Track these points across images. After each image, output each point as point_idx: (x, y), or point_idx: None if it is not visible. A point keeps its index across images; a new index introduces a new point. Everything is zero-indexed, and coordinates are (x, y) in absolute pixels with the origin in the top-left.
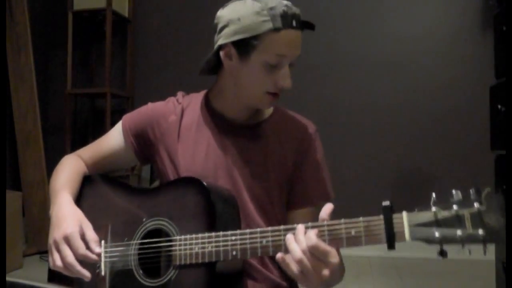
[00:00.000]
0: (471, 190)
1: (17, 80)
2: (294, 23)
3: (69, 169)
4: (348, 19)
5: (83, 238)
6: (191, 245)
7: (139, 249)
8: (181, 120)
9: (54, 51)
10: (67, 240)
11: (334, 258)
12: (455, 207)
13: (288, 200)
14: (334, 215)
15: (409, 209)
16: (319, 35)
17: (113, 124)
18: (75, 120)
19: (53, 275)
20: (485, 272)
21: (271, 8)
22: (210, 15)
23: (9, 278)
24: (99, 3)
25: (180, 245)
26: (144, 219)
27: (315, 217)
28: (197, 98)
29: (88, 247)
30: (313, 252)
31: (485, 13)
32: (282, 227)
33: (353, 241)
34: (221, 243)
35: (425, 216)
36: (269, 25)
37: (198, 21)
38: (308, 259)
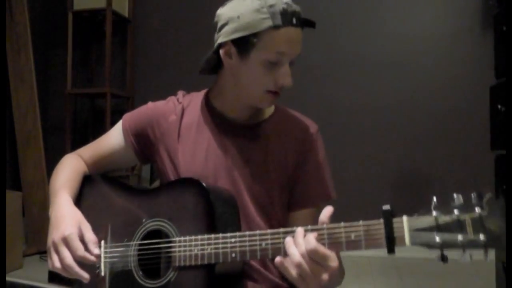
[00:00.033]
0: (472, 194)
1: (17, 80)
2: (294, 20)
3: (69, 169)
4: (348, 19)
5: (82, 239)
6: (191, 246)
7: (139, 250)
8: (181, 120)
9: (54, 51)
10: (66, 241)
11: (333, 262)
12: (456, 211)
13: (289, 201)
14: (334, 215)
15: (409, 209)
16: (319, 35)
17: (113, 124)
18: (75, 120)
19: (54, 276)
20: (485, 272)
21: (271, 6)
22: (210, 15)
23: (9, 278)
24: (99, 3)
25: (179, 246)
26: (143, 220)
27: (316, 218)
28: (197, 98)
29: (86, 249)
30: (312, 256)
31: (485, 13)
32: (281, 230)
33: (353, 245)
34: (220, 245)
35: (426, 220)
36: (269, 23)
37: (198, 21)
38: (307, 263)
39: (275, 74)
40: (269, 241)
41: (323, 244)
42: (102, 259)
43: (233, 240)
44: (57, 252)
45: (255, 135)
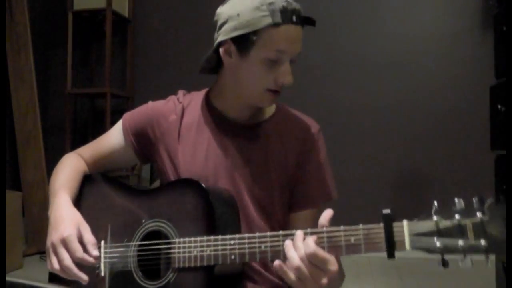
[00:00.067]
0: (474, 199)
1: (17, 80)
2: (294, 18)
3: (69, 168)
4: (348, 19)
5: (81, 240)
6: (190, 248)
7: (139, 250)
8: (181, 120)
9: (54, 51)
10: (65, 243)
11: (333, 266)
12: (457, 216)
13: (290, 202)
14: (334, 215)
15: (409, 209)
16: (319, 35)
17: (113, 124)
18: (75, 120)
19: (54, 276)
20: (485, 272)
21: (271, 4)
22: (210, 15)
23: (9, 278)
24: (99, 3)
25: (179, 248)
26: (143, 220)
27: (317, 219)
28: (198, 97)
29: (85, 250)
30: (312, 260)
31: (485, 13)
32: (281, 232)
33: (353, 248)
34: (219, 247)
35: (426, 225)
36: (268, 20)
37: (198, 21)
38: (306, 266)
39: (275, 73)
40: (269, 244)
41: (323, 247)
42: (102, 259)
43: (232, 242)
44: (56, 253)
45: (255, 135)
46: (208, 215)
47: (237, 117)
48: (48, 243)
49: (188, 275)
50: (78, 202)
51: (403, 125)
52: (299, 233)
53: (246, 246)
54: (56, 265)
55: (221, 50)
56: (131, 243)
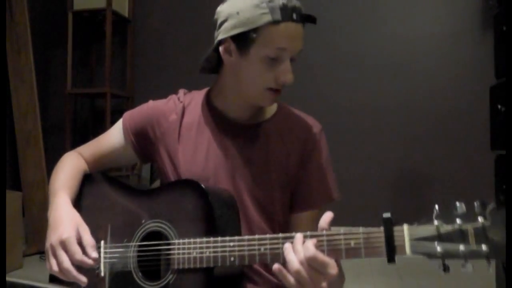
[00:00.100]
0: (475, 203)
1: (17, 80)
2: (294, 16)
3: (69, 168)
4: (348, 20)
5: (80, 242)
6: (189, 249)
7: (138, 251)
8: (182, 120)
9: (54, 51)
10: (64, 245)
11: (332, 270)
12: (458, 221)
13: (291, 202)
14: (334, 216)
15: (410, 209)
16: (319, 36)
17: (113, 124)
18: (75, 120)
19: (54, 276)
20: (485, 272)
21: (270, 1)
22: (210, 15)
23: (9, 278)
24: (99, 3)
25: (178, 249)
26: (143, 221)
27: (318, 220)
28: (198, 96)
29: (84, 252)
30: (311, 263)
31: (485, 13)
32: (280, 235)
33: (353, 252)
34: (219, 249)
35: (427, 229)
36: (268, 18)
37: (198, 21)
38: (306, 270)
39: (275, 71)
40: (268, 246)
41: (322, 251)
42: (102, 259)
43: (231, 244)
44: (55, 256)
45: (256, 135)
46: (207, 216)
47: (238, 117)
48: (47, 244)
49: (187, 277)
50: (78, 201)
51: (403, 125)
52: (298, 236)
53: (246, 248)
54: (55, 267)
55: (221, 48)
56: (130, 244)
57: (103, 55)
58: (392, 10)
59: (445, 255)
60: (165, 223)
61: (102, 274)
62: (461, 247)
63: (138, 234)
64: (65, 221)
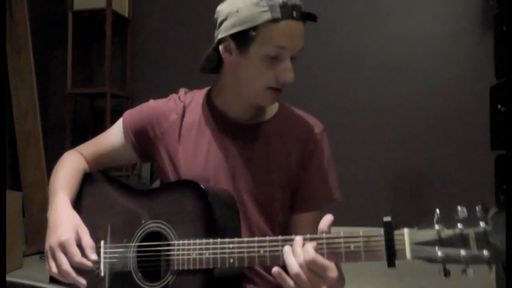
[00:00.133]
0: (477, 207)
1: (17, 80)
2: (294, 13)
3: (69, 167)
4: (348, 20)
5: (79, 244)
6: (189, 250)
7: (138, 251)
8: (182, 119)
9: (54, 51)
10: (63, 247)
11: (332, 273)
12: (459, 225)
13: (292, 203)
14: (334, 215)
15: (410, 209)
16: (319, 36)
17: (113, 124)
18: (75, 120)
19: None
20: (485, 272)
21: None
22: (210, 15)
23: (9, 278)
24: (99, 3)
25: (178, 250)
26: (143, 221)
27: (319, 221)
28: (199, 96)
29: (84, 254)
30: (311, 267)
31: (485, 13)
32: (280, 237)
33: (352, 256)
34: (218, 251)
35: (428, 234)
36: (268, 16)
37: (198, 21)
38: (305, 273)
39: (275, 70)
40: (268, 249)
41: (322, 254)
42: (102, 259)
43: (231, 245)
44: (54, 258)
45: (256, 135)
46: (207, 216)
47: (238, 116)
48: (47, 246)
49: (187, 278)
50: (78, 201)
51: (403, 125)
52: (298, 239)
53: (245, 250)
54: (54, 269)
55: (221, 47)
56: (130, 244)
57: (103, 55)
58: (392, 10)
59: (446, 260)
60: (164, 224)
61: (102, 274)
62: (462, 252)
63: (138, 234)
64: (65, 223)
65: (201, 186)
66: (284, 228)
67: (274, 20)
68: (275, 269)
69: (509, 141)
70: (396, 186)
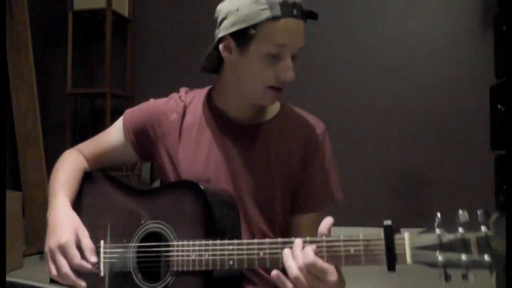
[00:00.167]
0: (478, 211)
1: (17, 80)
2: (294, 11)
3: (69, 166)
4: (348, 21)
5: (79, 245)
6: (188, 252)
7: (138, 252)
8: (182, 119)
9: (54, 51)
10: (62, 249)
11: (332, 276)
12: (460, 230)
13: (293, 204)
14: (335, 216)
15: (410, 210)
16: (319, 36)
17: (113, 124)
18: (75, 120)
19: None
20: (484, 272)
21: None
22: (210, 15)
23: (9, 278)
24: (99, 3)
25: (177, 251)
26: (142, 221)
27: (320, 222)
28: (200, 95)
29: (83, 256)
30: (310, 270)
31: (485, 13)
32: (279, 240)
33: (352, 259)
34: (218, 252)
35: (429, 238)
36: (267, 14)
37: (198, 21)
38: (305, 276)
39: (276, 68)
40: (267, 251)
41: (322, 257)
42: (102, 259)
43: (230, 247)
44: (54, 260)
45: (257, 135)
46: (206, 217)
47: (239, 116)
48: (46, 248)
49: (186, 279)
50: (78, 200)
51: (403, 125)
52: (298, 242)
53: (245, 252)
54: (54, 272)
55: (221, 46)
56: (130, 244)
57: (103, 55)
58: (392, 11)
59: (447, 264)
60: (164, 224)
61: (102, 274)
62: (463, 257)
63: (138, 235)
64: (64, 225)
65: (201, 186)
66: (285, 228)
67: (274, 18)
68: (274, 273)
69: (509, 141)
70: (396, 186)
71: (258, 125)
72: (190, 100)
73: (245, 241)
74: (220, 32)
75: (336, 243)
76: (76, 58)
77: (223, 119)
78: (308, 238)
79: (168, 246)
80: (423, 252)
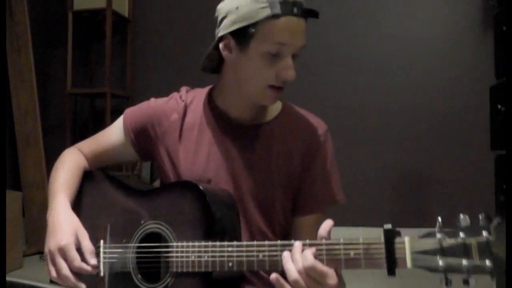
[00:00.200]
0: (480, 216)
1: (17, 80)
2: (295, 10)
3: (69, 165)
4: (348, 21)
5: (79, 247)
6: (188, 253)
7: (137, 252)
8: (183, 119)
9: (54, 51)
10: (62, 251)
11: (331, 280)
12: (461, 234)
13: (294, 205)
14: (335, 217)
15: (410, 210)
16: (319, 36)
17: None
18: (75, 120)
19: None
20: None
21: None
22: (210, 15)
23: (9, 278)
24: (99, 3)
25: (177, 252)
26: (142, 222)
27: (321, 224)
28: (200, 95)
29: (83, 259)
30: (310, 273)
31: (485, 13)
32: (279, 242)
33: (352, 263)
34: (217, 254)
35: (429, 242)
36: (267, 12)
37: (198, 21)
38: (304, 280)
39: (276, 67)
40: (267, 253)
41: (321, 260)
42: (101, 259)
43: (230, 249)
44: (54, 263)
45: (258, 135)
46: (206, 218)
47: (240, 116)
48: (46, 250)
49: (186, 280)
50: (78, 200)
51: (403, 125)
52: (297, 245)
53: (244, 254)
54: (54, 274)
55: (221, 45)
56: (130, 244)
57: (103, 55)
58: (392, 11)
59: (448, 269)
60: (163, 225)
61: (102, 274)
62: (464, 262)
63: (137, 235)
64: (64, 226)
65: (200, 187)
66: (285, 229)
67: (274, 16)
68: (273, 276)
69: (509, 141)
70: (396, 186)
71: (259, 125)
72: (191, 100)
73: (244, 243)
74: (220, 31)
75: (336, 247)
76: (76, 58)
77: (224, 119)
78: (307, 241)
79: (167, 247)
80: (424, 257)
